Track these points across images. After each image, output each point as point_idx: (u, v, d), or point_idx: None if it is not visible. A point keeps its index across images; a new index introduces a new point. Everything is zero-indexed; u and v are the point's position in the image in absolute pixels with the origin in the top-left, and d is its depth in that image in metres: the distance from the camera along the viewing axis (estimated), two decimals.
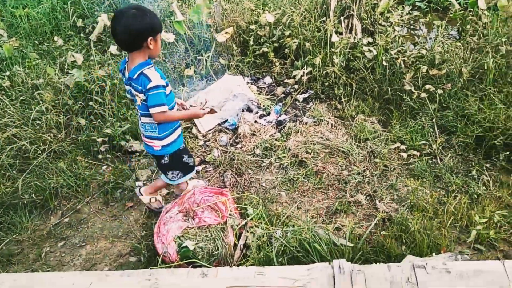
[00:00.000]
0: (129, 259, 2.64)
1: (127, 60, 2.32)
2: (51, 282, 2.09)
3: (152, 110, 2.29)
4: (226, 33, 3.98)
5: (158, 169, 2.80)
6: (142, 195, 2.83)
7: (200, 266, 2.34)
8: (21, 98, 3.62)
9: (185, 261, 2.40)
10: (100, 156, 3.29)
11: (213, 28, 4.22)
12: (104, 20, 4.09)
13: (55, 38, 4.40)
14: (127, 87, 2.39)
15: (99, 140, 3.29)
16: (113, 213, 2.94)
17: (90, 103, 3.54)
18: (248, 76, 4.03)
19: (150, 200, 2.84)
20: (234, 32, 4.15)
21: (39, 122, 3.41)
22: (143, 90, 2.26)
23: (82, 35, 4.54)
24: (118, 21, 2.15)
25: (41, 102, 3.53)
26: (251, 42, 4.07)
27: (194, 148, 3.35)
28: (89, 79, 3.63)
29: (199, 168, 3.19)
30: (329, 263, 2.01)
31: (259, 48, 4.10)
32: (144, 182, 3.12)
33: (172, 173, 2.64)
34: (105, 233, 2.82)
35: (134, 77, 2.25)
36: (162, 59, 4.08)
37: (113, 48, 3.95)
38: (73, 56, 3.74)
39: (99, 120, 3.45)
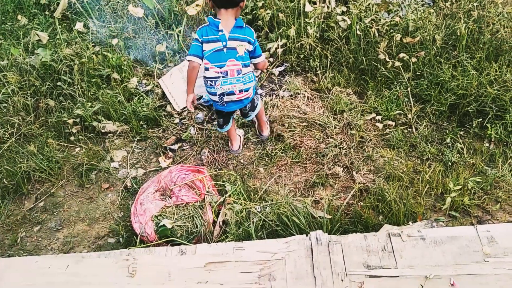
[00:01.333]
0: (108, 240, 2.61)
1: (213, 20, 2.47)
2: (26, 266, 2.06)
3: (261, 58, 2.65)
4: (196, 5, 3.86)
5: (247, 114, 2.90)
6: (265, 134, 3.08)
7: (179, 244, 2.33)
8: None
9: (163, 240, 2.39)
10: (72, 138, 3.20)
11: (183, 1, 4.08)
12: None
13: (19, 17, 4.20)
14: (217, 45, 2.47)
15: (70, 121, 3.20)
16: (89, 195, 2.89)
17: (59, 83, 3.41)
18: None
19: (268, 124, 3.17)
20: (204, 4, 4.03)
21: (6, 105, 3.28)
22: (251, 40, 2.51)
23: (47, 13, 4.34)
24: None
25: (6, 84, 3.39)
26: None
27: (170, 126, 3.29)
28: (55, 58, 3.49)
29: (176, 146, 3.14)
30: (307, 235, 2.03)
31: None
32: (120, 163, 3.06)
33: (257, 99, 2.87)
34: (81, 216, 2.77)
35: (243, 26, 2.49)
36: (132, 35, 3.95)
37: (79, 25, 3.79)
38: (38, 35, 3.58)
39: (69, 100, 3.34)
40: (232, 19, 2.46)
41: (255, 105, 2.83)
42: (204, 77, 2.56)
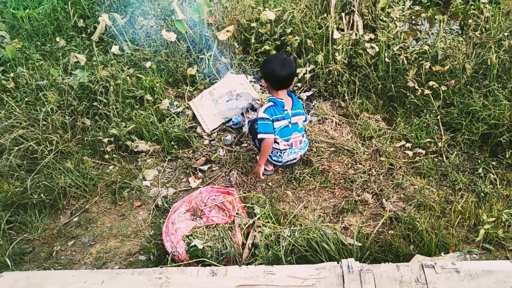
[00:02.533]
0: (139, 257, 2.66)
1: (277, 100, 2.79)
2: (63, 280, 2.12)
3: (308, 119, 3.25)
4: (227, 31, 3.98)
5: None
6: None
7: (209, 265, 2.36)
8: (26, 99, 3.63)
9: (194, 260, 2.43)
10: (106, 156, 3.30)
11: (214, 27, 4.21)
12: (105, 20, 4.10)
13: (57, 39, 4.40)
14: (284, 122, 2.83)
15: (105, 140, 3.31)
16: (121, 212, 2.96)
17: (95, 103, 3.54)
18: (250, 75, 4.04)
19: None
20: (235, 30, 4.15)
21: (45, 123, 3.42)
22: (304, 113, 2.95)
23: (84, 35, 4.53)
24: (292, 67, 2.72)
25: (46, 103, 3.54)
26: (253, 40, 4.07)
27: (200, 147, 3.36)
28: (92, 79, 3.63)
29: (205, 167, 3.21)
30: (338, 263, 2.03)
31: (261, 46, 4.10)
32: (151, 182, 3.14)
33: None
34: (114, 232, 2.84)
35: (298, 103, 2.91)
36: (165, 58, 4.08)
37: (115, 48, 3.95)
38: (76, 57, 3.74)
39: (104, 120, 3.46)
40: (288, 97, 2.86)
41: None
42: (274, 148, 2.91)
